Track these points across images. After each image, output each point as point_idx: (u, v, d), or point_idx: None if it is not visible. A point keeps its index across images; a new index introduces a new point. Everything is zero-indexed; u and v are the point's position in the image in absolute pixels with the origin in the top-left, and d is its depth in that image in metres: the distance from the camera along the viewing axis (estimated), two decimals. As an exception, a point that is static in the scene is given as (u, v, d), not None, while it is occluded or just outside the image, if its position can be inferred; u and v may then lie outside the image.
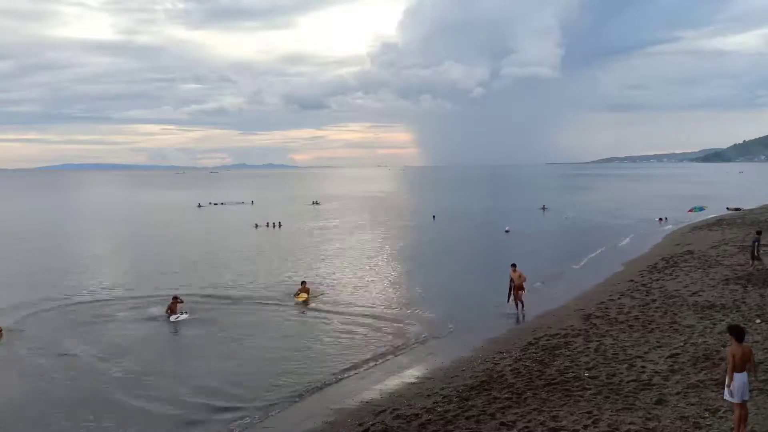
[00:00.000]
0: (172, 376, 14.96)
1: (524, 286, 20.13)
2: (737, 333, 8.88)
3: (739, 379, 8.69)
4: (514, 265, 20.27)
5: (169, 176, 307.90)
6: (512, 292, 19.97)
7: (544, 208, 62.07)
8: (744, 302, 17.91)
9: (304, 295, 22.49)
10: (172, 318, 19.92)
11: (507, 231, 44.40)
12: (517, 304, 20.08)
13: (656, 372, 12.46)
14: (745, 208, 55.30)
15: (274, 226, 48.98)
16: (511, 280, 20.00)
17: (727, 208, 54.98)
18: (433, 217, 55.23)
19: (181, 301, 20.61)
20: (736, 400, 8.78)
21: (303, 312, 21.17)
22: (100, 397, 13.70)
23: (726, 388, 8.87)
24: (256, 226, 49.22)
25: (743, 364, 8.73)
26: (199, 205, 74.82)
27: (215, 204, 77.90)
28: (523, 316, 19.70)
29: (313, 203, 78.54)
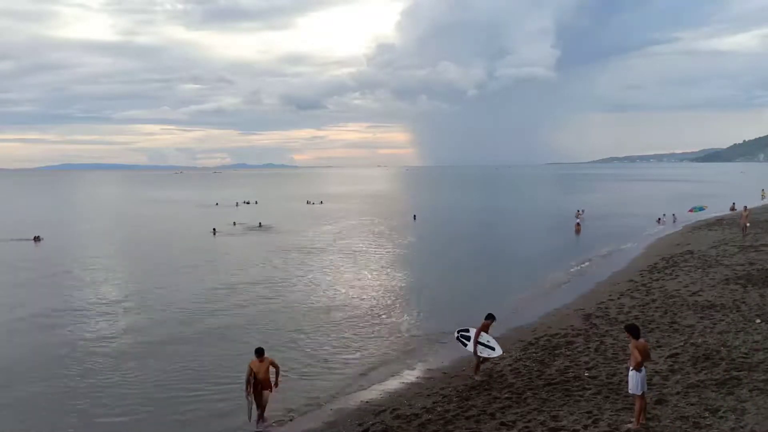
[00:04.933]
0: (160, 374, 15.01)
1: (271, 384, 12.12)
2: (634, 331, 9.82)
3: (641, 372, 9.58)
4: (260, 351, 12.03)
5: (169, 176, 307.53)
6: (250, 388, 11.90)
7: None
8: (744, 302, 17.88)
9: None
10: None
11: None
12: (258, 408, 12.04)
13: (656, 372, 12.45)
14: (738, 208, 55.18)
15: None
16: (251, 372, 11.94)
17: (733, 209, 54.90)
18: (414, 217, 55.05)
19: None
20: (637, 392, 9.60)
21: (300, 315, 21.19)
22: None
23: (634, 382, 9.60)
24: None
25: (643, 359, 9.68)
26: (237, 204, 75.79)
27: (247, 203, 78.68)
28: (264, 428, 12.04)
29: (313, 202, 78.37)
